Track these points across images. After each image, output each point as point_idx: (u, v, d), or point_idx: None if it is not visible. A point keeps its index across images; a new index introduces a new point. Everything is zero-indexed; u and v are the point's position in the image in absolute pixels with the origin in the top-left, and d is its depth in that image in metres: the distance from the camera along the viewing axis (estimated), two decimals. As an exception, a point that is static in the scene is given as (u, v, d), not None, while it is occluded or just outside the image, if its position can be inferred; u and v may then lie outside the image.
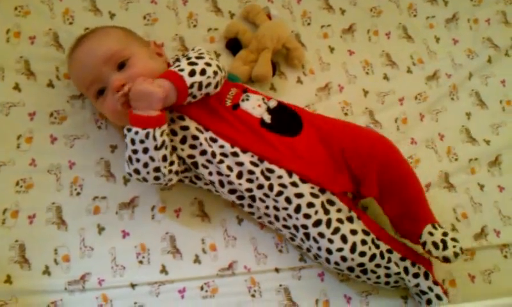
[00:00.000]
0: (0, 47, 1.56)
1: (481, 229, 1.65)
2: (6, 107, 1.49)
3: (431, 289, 1.44)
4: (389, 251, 1.43)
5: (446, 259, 1.39)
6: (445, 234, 1.41)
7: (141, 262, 1.42)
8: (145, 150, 1.30)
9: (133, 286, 1.39)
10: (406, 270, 1.44)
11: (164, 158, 1.33)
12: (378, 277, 1.42)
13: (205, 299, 1.41)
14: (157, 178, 1.35)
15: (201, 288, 1.42)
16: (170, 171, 1.36)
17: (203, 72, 1.34)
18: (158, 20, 1.73)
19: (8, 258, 1.35)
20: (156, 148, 1.30)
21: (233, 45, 1.74)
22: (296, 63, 1.76)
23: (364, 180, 1.43)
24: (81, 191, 1.47)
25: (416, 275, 1.44)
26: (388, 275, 1.43)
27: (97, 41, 1.41)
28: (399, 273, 1.43)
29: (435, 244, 1.39)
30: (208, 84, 1.36)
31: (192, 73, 1.33)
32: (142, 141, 1.29)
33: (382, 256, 1.40)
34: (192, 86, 1.32)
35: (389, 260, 1.41)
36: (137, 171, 1.35)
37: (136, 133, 1.29)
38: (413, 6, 1.98)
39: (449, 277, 1.56)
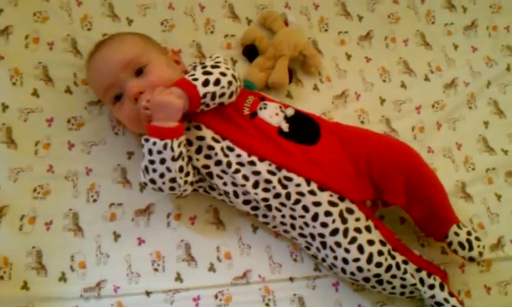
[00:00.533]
0: (19, 52, 1.56)
1: (498, 240, 1.63)
2: (24, 113, 1.50)
3: (446, 300, 1.43)
4: (405, 262, 1.42)
5: (471, 259, 1.44)
6: (469, 233, 1.45)
7: (156, 270, 1.43)
8: (162, 161, 1.31)
9: (148, 293, 1.39)
10: (421, 281, 1.43)
11: (181, 169, 1.33)
12: (393, 287, 1.41)
13: (219, 307, 1.42)
14: (172, 189, 1.36)
15: (216, 297, 1.42)
16: (186, 182, 1.36)
17: (217, 82, 1.34)
18: (175, 26, 1.73)
19: (25, 264, 1.35)
20: (173, 159, 1.30)
21: (250, 52, 1.74)
22: (312, 70, 1.75)
23: (389, 188, 1.43)
24: (98, 198, 1.47)
25: (431, 287, 1.43)
26: (403, 286, 1.42)
27: (115, 47, 1.42)
28: (414, 284, 1.42)
29: (461, 245, 1.43)
30: (222, 94, 1.36)
31: (206, 83, 1.33)
32: (159, 152, 1.30)
33: (398, 267, 1.39)
34: (205, 96, 1.32)
35: (405, 271, 1.40)
36: (153, 181, 1.35)
37: (154, 144, 1.29)
38: (431, 12, 1.97)
39: (465, 288, 1.55)
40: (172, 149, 1.29)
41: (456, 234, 1.44)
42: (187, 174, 1.36)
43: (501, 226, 1.66)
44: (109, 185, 1.49)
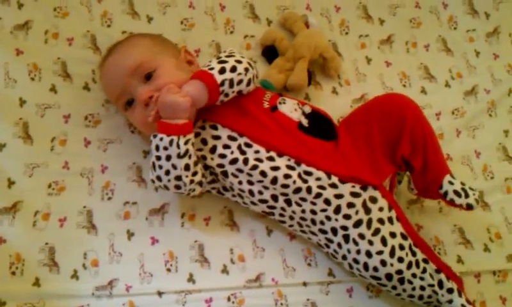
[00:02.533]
0: (38, 47, 1.57)
1: (515, 251, 1.61)
2: (41, 109, 1.50)
3: None
4: (425, 261, 1.40)
5: (469, 206, 1.43)
6: (463, 183, 1.45)
7: (168, 270, 1.42)
8: (168, 157, 1.31)
9: (160, 294, 1.38)
10: (440, 283, 1.41)
11: (187, 168, 1.32)
12: (413, 289, 1.39)
13: (231, 309, 1.41)
14: (178, 187, 1.35)
15: (228, 299, 1.41)
16: (192, 181, 1.35)
17: (233, 69, 1.34)
18: (195, 26, 1.73)
19: (38, 260, 1.35)
20: (179, 156, 1.30)
21: (270, 53, 1.73)
22: (332, 73, 1.74)
23: (399, 145, 1.42)
24: (112, 196, 1.47)
25: (450, 291, 1.41)
26: (422, 288, 1.39)
27: (123, 53, 1.42)
28: (433, 285, 1.40)
29: (457, 193, 1.43)
30: (240, 81, 1.36)
31: (222, 71, 1.33)
32: (165, 148, 1.30)
33: (418, 265, 1.37)
34: (223, 83, 1.32)
35: (424, 270, 1.39)
36: (159, 178, 1.35)
37: (161, 139, 1.30)
38: (454, 18, 1.95)
39: (480, 298, 1.54)
40: (178, 146, 1.29)
41: (450, 183, 1.44)
42: (194, 173, 1.35)
43: (519, 236, 1.64)
44: (124, 184, 1.49)
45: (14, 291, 1.31)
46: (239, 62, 1.37)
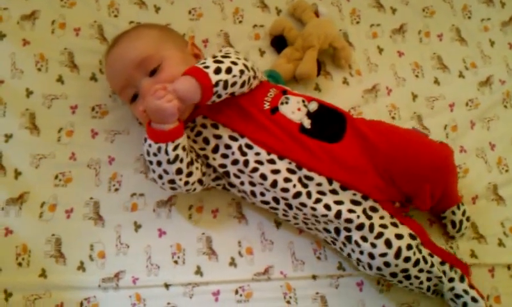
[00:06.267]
0: (45, 37, 1.56)
1: (530, 245, 1.58)
2: (48, 99, 1.49)
3: (466, 292, 1.39)
4: (431, 255, 1.39)
5: (452, 237, 1.55)
6: (463, 213, 1.53)
7: (176, 262, 1.40)
8: (159, 163, 1.30)
9: (167, 286, 1.37)
10: (444, 273, 1.40)
11: (179, 172, 1.31)
12: (421, 282, 1.37)
13: (239, 302, 1.38)
14: (173, 189, 1.36)
15: (236, 292, 1.40)
16: (187, 183, 1.34)
17: (228, 70, 1.30)
18: (203, 15, 1.71)
19: (44, 252, 1.35)
20: (169, 162, 1.29)
21: (279, 42, 1.70)
22: (342, 63, 1.71)
23: (414, 194, 1.39)
24: (119, 187, 1.46)
25: (451, 280, 1.40)
26: (429, 279, 1.38)
27: (128, 45, 1.39)
28: (440, 277, 1.38)
29: (453, 223, 1.52)
30: (234, 83, 1.32)
31: (217, 71, 1.28)
32: (155, 154, 1.29)
33: (425, 261, 1.35)
34: (217, 84, 1.28)
35: (432, 264, 1.36)
36: (154, 180, 1.36)
37: (150, 145, 1.29)
38: (468, 7, 1.92)
39: (494, 293, 1.51)
40: (166, 153, 1.27)
41: (453, 213, 1.51)
42: (189, 174, 1.34)
43: (534, 230, 1.61)
44: (132, 175, 1.48)
45: (20, 283, 1.30)
46: (235, 63, 1.33)
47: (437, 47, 1.84)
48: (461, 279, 1.40)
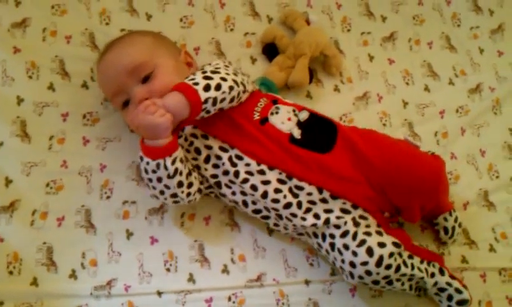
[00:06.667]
0: (36, 45, 1.55)
1: (521, 251, 1.59)
2: (39, 107, 1.48)
3: (449, 284, 1.41)
4: (410, 257, 1.39)
5: (443, 243, 1.56)
6: (456, 219, 1.54)
7: (168, 270, 1.40)
8: (159, 179, 1.29)
9: (159, 294, 1.37)
10: (426, 271, 1.41)
11: (180, 184, 1.31)
12: (402, 284, 1.38)
13: (232, 309, 1.39)
14: (176, 202, 1.36)
15: (229, 299, 1.39)
16: (189, 194, 1.34)
17: (218, 87, 1.29)
18: (194, 23, 1.71)
19: (35, 260, 1.34)
20: (169, 177, 1.28)
21: (270, 50, 1.71)
22: (333, 71, 1.72)
23: (403, 208, 1.39)
24: (111, 195, 1.45)
25: (432, 275, 1.41)
26: (410, 279, 1.39)
27: (121, 51, 1.39)
28: (422, 277, 1.39)
29: (446, 230, 1.53)
30: (223, 99, 1.31)
31: (207, 88, 1.27)
32: (154, 171, 1.28)
33: (406, 265, 1.35)
34: (206, 101, 1.27)
35: (413, 267, 1.37)
36: (156, 197, 1.36)
37: (147, 163, 1.28)
38: (457, 15, 1.93)
39: (486, 298, 1.52)
40: (166, 168, 1.27)
41: (445, 219, 1.53)
42: (190, 185, 1.34)
43: (525, 236, 1.62)
44: (123, 183, 1.47)
45: (11, 291, 1.30)
46: (224, 79, 1.32)
47: (427, 54, 1.85)
48: (441, 272, 1.42)
